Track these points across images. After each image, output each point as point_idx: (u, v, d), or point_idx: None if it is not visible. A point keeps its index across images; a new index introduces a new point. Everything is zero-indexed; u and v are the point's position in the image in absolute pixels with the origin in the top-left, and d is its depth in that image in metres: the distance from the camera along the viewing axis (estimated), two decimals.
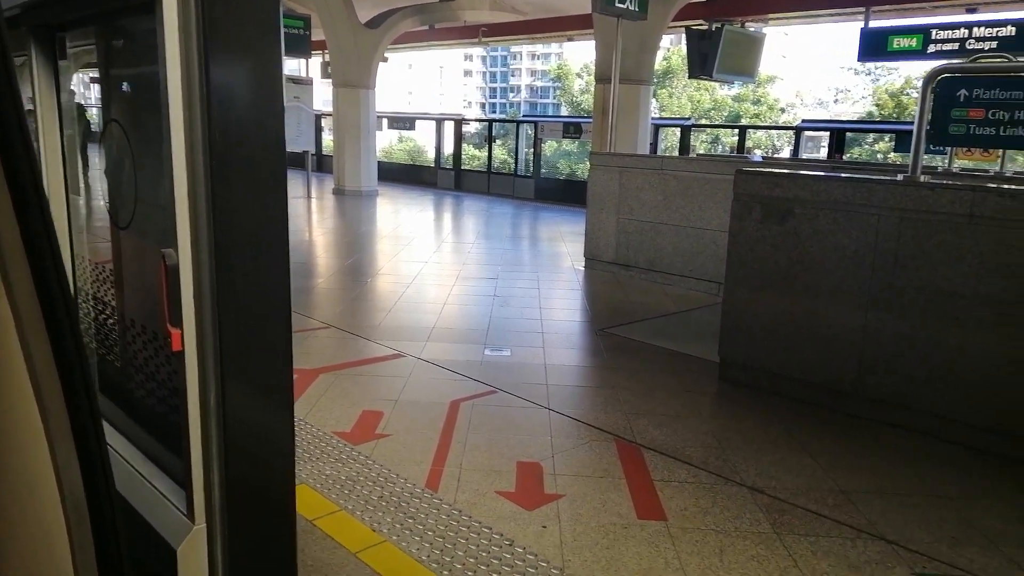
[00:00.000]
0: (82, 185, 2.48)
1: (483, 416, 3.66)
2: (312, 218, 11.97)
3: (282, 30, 1.74)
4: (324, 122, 20.36)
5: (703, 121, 34.78)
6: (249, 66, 1.69)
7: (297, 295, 6.14)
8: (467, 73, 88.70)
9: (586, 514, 2.75)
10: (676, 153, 15.39)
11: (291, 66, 17.74)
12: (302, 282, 6.75)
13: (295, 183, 15.88)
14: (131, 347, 2.20)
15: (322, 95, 16.41)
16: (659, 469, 3.16)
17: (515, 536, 2.57)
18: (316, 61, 17.25)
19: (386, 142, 27.50)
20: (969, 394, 3.54)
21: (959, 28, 9.58)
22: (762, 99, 40.53)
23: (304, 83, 14.67)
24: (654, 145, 15.10)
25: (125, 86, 2.13)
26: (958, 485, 3.15)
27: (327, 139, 20.48)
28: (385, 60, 15.99)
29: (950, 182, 3.88)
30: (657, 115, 31.83)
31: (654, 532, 2.65)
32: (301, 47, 14.53)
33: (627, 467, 3.17)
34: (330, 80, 15.48)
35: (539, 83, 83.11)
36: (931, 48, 9.87)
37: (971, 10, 10.27)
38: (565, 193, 15.46)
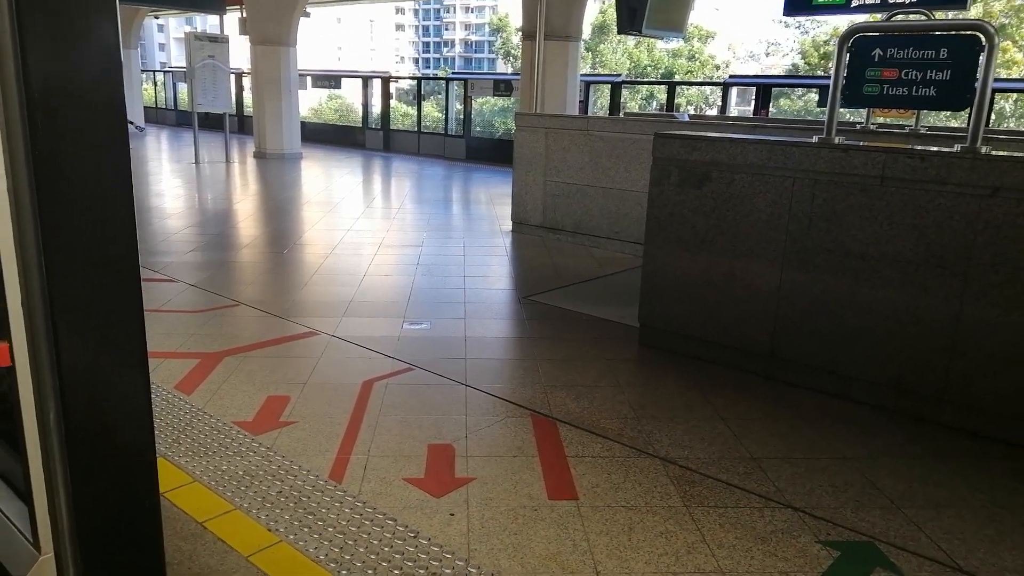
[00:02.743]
0: None
1: (396, 396, 3.54)
2: (230, 184, 11.45)
3: None
4: (247, 80, 19.45)
5: (639, 78, 34.80)
6: (74, 24, 1.48)
7: (206, 269, 5.85)
8: (399, 27, 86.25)
9: (496, 497, 2.68)
10: (607, 111, 15.26)
11: (213, 23, 16.81)
12: (213, 255, 6.43)
13: (214, 147, 15.19)
14: None
15: (244, 52, 15.60)
16: (573, 444, 3.12)
17: (421, 526, 2.48)
18: (234, 17, 16.36)
19: (315, 101, 26.50)
20: (875, 353, 3.60)
21: None
22: (696, 55, 40.73)
23: (219, 41, 13.93)
24: (585, 103, 14.95)
25: None
26: (864, 446, 3.21)
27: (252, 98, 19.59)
28: (307, 15, 15.27)
29: (864, 143, 3.88)
30: (592, 71, 31.60)
31: (564, 513, 2.60)
32: (215, 3, 13.73)
33: (541, 444, 3.11)
34: (248, 37, 14.73)
35: (474, 37, 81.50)
36: (855, 2, 9.92)
37: None
38: (497, 153, 15.21)
